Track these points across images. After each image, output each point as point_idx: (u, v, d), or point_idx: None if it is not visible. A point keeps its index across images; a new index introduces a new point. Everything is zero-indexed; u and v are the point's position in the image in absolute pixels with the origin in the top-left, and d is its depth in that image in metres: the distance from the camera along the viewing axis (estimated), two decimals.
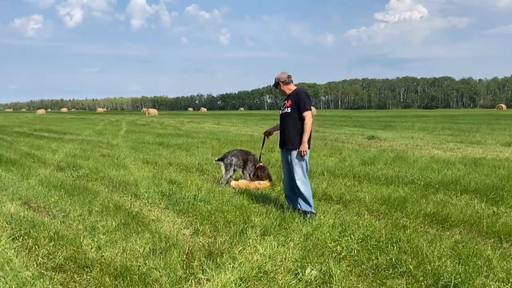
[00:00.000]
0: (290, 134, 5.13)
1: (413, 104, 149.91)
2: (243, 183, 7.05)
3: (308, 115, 5.05)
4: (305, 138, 5.02)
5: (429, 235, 4.34)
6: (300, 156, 5.06)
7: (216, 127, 25.52)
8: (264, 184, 6.98)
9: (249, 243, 4.14)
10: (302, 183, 5.09)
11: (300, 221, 4.84)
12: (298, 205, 5.23)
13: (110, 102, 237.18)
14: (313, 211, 5.12)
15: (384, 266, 3.63)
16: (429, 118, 37.02)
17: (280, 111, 5.35)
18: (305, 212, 5.05)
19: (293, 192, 5.34)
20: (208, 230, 4.64)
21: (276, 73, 5.37)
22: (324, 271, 3.52)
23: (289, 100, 5.20)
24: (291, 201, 5.40)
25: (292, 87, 5.32)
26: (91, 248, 4.10)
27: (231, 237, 4.38)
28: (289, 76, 5.29)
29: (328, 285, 3.35)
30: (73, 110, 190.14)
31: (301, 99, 5.11)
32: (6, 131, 22.33)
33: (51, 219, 5.21)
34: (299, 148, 5.05)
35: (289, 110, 5.15)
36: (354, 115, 50.82)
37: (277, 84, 5.32)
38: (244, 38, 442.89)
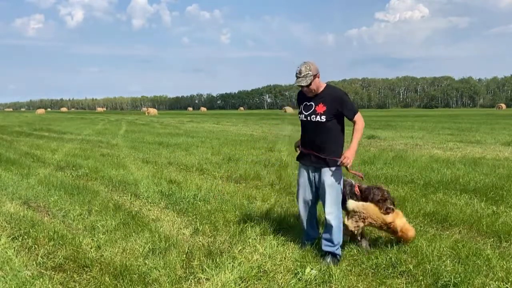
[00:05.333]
0: (324, 148, 3.78)
1: (412, 104, 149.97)
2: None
3: (360, 119, 3.80)
4: (356, 145, 3.81)
5: (429, 235, 4.34)
6: (339, 175, 3.82)
7: (216, 127, 25.52)
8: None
9: (249, 242, 4.13)
10: (335, 216, 3.78)
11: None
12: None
13: (109, 101, 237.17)
14: (339, 253, 3.83)
15: (383, 266, 3.62)
16: (429, 118, 37.02)
17: (301, 115, 3.89)
18: (327, 253, 3.81)
19: (312, 225, 4.13)
20: (208, 230, 4.64)
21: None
22: (323, 270, 3.52)
23: (321, 104, 3.74)
24: (309, 237, 4.12)
25: (322, 84, 3.83)
26: (91, 248, 4.10)
27: (230, 236, 4.38)
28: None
29: (328, 284, 3.35)
30: (72, 109, 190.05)
31: (345, 103, 3.74)
32: (5, 131, 22.31)
33: (51, 218, 5.21)
34: (341, 161, 3.73)
35: (322, 119, 3.71)
36: None
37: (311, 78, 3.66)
38: (245, 38, 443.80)
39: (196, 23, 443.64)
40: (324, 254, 3.82)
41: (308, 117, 3.80)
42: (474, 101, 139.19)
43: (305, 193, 3.98)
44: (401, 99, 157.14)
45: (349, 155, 3.72)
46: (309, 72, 3.64)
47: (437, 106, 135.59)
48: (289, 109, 73.21)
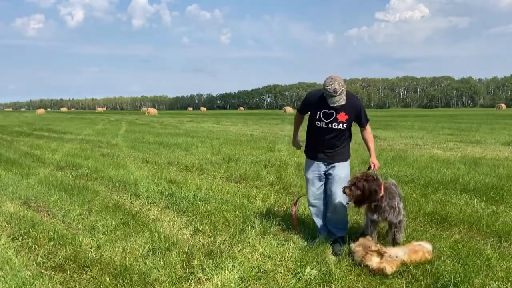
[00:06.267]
0: (341, 149, 4.09)
1: (412, 104, 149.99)
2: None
3: (369, 128, 4.22)
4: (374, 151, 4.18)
5: (429, 235, 4.34)
6: (348, 173, 4.14)
7: (216, 127, 25.51)
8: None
9: (249, 242, 4.13)
10: (344, 204, 4.11)
11: (300, 220, 4.83)
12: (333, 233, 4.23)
13: (109, 101, 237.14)
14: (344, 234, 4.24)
15: None
16: (429, 118, 37.00)
17: (321, 123, 3.95)
18: (337, 239, 4.15)
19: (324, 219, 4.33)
20: (208, 230, 4.64)
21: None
22: (323, 270, 3.52)
23: (342, 113, 3.87)
24: (324, 230, 4.32)
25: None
26: (91, 248, 4.10)
27: (230, 236, 4.38)
28: None
29: (328, 284, 3.35)
30: (72, 109, 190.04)
31: (363, 110, 4.03)
32: (5, 131, 22.31)
33: (51, 218, 5.21)
34: (374, 169, 4.09)
35: (344, 126, 3.93)
36: None
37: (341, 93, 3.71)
38: (245, 38, 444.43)
39: (196, 23, 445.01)
40: (334, 241, 4.11)
41: (329, 125, 3.93)
42: (474, 101, 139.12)
43: (316, 189, 4.18)
44: (401, 99, 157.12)
45: (375, 161, 4.12)
46: (343, 88, 3.68)
47: (437, 106, 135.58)
48: (289, 109, 73.19)
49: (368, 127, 4.17)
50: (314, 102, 3.95)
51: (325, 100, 3.79)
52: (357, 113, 3.96)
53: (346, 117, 3.89)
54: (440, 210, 5.20)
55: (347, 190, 3.82)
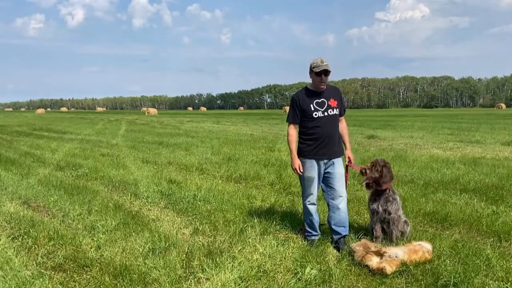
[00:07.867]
0: (338, 140, 4.19)
1: (412, 104, 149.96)
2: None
3: (345, 121, 4.38)
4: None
5: (429, 234, 4.34)
6: (343, 168, 4.24)
7: (215, 127, 25.51)
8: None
9: (249, 242, 4.14)
10: (345, 197, 4.19)
11: (300, 220, 4.83)
12: (338, 233, 4.17)
13: (109, 101, 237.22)
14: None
15: None
16: (429, 118, 36.99)
17: (318, 112, 4.03)
18: (340, 238, 4.16)
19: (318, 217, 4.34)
20: (208, 230, 4.64)
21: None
22: (323, 270, 3.53)
23: (332, 99, 4.08)
24: (318, 231, 4.33)
25: None
26: (91, 248, 4.10)
27: (230, 236, 4.38)
28: None
29: (328, 284, 3.35)
30: (72, 109, 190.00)
31: (343, 98, 4.30)
32: (5, 131, 22.31)
33: (51, 218, 5.21)
34: (352, 162, 4.33)
35: (336, 111, 4.10)
36: (353, 114, 50.79)
37: (326, 72, 3.95)
38: (245, 38, 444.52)
39: (197, 23, 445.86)
40: (338, 239, 4.12)
41: (325, 112, 4.05)
42: (474, 101, 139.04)
43: (317, 188, 4.18)
44: (401, 99, 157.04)
45: (351, 155, 4.33)
46: (327, 62, 3.97)
47: (437, 106, 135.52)
48: (288, 109, 73.03)
49: (344, 119, 4.32)
50: (303, 97, 4.11)
51: (312, 93, 4.08)
52: (341, 99, 4.20)
53: (336, 102, 4.10)
54: (440, 210, 5.20)
55: (364, 171, 4.09)
